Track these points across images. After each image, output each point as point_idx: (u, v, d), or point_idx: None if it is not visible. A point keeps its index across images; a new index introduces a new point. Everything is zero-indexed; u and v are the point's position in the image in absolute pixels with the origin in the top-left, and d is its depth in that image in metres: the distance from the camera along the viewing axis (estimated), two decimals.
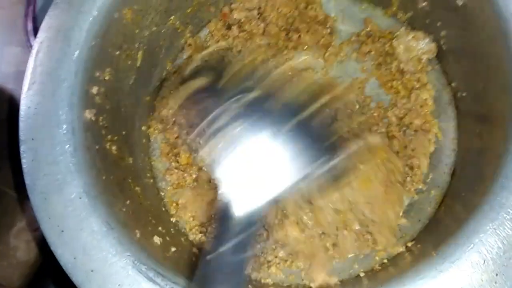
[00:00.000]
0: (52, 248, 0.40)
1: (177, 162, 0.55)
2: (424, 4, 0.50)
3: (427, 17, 0.51)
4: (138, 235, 0.43)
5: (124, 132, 0.51)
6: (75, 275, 0.39)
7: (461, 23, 0.46)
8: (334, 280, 0.48)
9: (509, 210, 0.36)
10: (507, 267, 0.35)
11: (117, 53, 0.49)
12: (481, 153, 0.43)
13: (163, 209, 0.53)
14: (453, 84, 0.51)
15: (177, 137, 0.55)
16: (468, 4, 0.44)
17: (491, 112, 0.43)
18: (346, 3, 0.57)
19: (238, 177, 0.43)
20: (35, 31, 0.56)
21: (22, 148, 0.43)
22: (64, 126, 0.43)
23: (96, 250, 0.40)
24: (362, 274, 0.48)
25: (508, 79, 0.41)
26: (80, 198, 0.41)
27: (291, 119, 0.44)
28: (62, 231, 0.41)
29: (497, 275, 0.35)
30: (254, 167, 0.43)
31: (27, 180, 0.42)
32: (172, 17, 0.54)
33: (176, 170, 0.55)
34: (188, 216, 0.53)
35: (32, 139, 0.43)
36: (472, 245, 0.36)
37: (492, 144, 0.42)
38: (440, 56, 0.52)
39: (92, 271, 0.39)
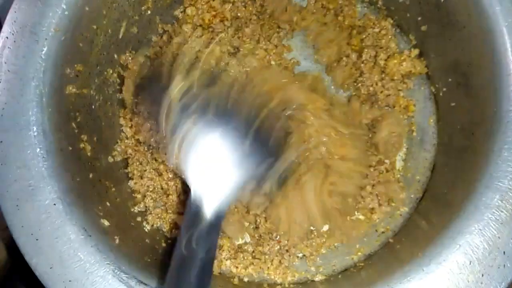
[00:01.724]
0: (26, 258, 0.39)
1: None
2: None
3: (408, 11, 0.50)
4: (117, 241, 0.41)
5: (97, 130, 0.49)
6: (52, 286, 0.38)
7: (442, 19, 0.46)
8: (319, 277, 0.48)
9: (494, 210, 0.36)
10: (493, 268, 0.36)
11: (88, 47, 0.46)
12: (464, 151, 0.43)
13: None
14: (433, 79, 0.51)
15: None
16: (451, 1, 0.44)
17: (474, 109, 0.43)
18: None
19: (205, 175, 0.44)
20: None
21: None
22: (35, 128, 0.41)
23: (73, 259, 0.38)
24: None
25: (490, 75, 0.41)
26: (55, 204, 0.39)
27: (247, 127, 0.46)
28: (37, 239, 0.39)
29: (482, 275, 0.36)
30: (215, 164, 0.44)
31: None
32: (144, 7, 0.52)
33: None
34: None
35: (1, 141, 0.40)
36: (458, 246, 0.37)
37: (475, 142, 0.42)
38: (421, 50, 0.52)
39: (70, 281, 0.38)
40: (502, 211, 0.36)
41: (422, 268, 0.37)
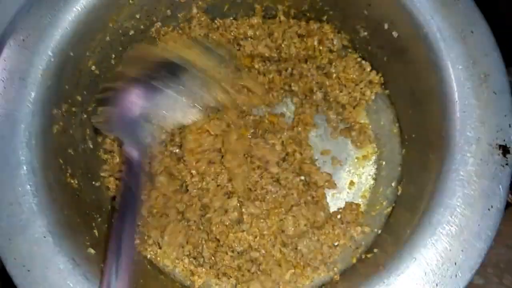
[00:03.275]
0: None
1: None
2: (365, 33, 0.54)
3: (369, 44, 0.55)
4: None
5: (83, 164, 0.52)
6: None
7: (398, 52, 0.50)
8: None
9: (444, 225, 0.40)
10: (445, 278, 0.40)
11: (74, 88, 0.50)
12: (423, 171, 0.47)
13: None
14: (396, 105, 0.56)
15: None
16: (403, 37, 0.49)
17: (430, 134, 0.47)
18: None
19: None
20: None
21: None
22: (24, 167, 0.44)
23: None
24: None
25: (442, 104, 0.45)
26: (45, 237, 0.42)
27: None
28: (29, 270, 0.41)
29: (437, 285, 0.39)
30: None
31: None
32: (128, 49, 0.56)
33: None
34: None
35: None
36: (414, 259, 0.40)
37: (431, 162, 0.46)
38: (384, 78, 0.56)
39: None
40: (451, 226, 0.40)
41: (383, 280, 0.40)
